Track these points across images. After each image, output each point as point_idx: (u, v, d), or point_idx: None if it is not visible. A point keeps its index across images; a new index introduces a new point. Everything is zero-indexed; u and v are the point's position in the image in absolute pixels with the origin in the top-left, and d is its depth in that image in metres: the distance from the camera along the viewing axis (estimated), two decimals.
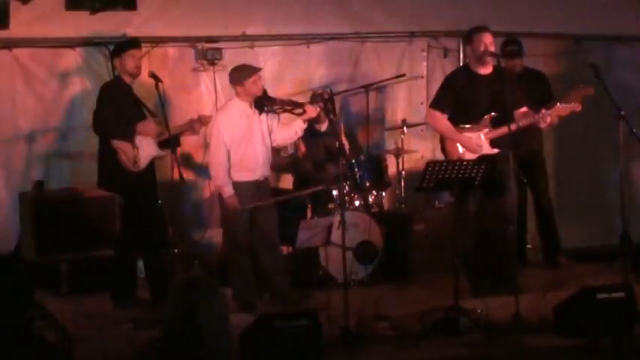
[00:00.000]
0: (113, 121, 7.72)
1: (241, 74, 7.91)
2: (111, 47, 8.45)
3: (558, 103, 7.90)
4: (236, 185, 7.84)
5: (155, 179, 8.05)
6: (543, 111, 7.82)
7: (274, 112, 7.97)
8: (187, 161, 9.20)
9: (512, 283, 7.28)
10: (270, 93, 8.18)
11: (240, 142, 7.83)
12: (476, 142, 7.89)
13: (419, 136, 9.90)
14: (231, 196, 7.80)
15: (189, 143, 9.04)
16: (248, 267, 7.92)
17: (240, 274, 7.90)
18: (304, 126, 8.05)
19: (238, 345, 6.12)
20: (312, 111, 7.99)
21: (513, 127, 7.52)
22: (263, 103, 7.88)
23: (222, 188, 7.86)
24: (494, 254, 7.95)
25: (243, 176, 7.85)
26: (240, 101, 7.91)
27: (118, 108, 7.76)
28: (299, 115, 8.00)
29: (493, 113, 7.85)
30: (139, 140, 7.88)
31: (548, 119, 7.82)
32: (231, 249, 8.00)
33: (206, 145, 9.23)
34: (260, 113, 7.90)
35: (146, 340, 4.26)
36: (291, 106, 8.04)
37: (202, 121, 8.23)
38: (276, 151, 8.52)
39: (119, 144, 7.76)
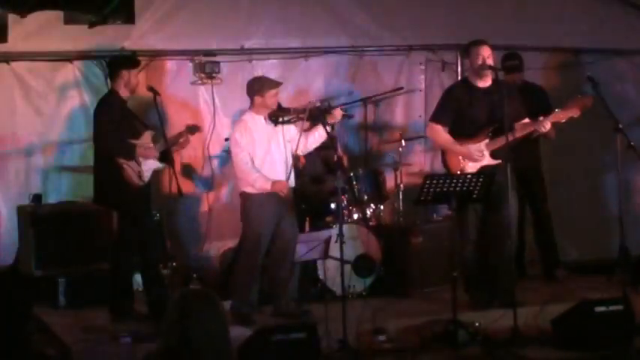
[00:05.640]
0: (116, 141, 7.67)
1: (263, 85, 7.86)
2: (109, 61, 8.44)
3: (556, 110, 7.89)
4: (257, 196, 7.78)
5: (150, 192, 8.02)
6: (542, 118, 7.83)
7: (289, 122, 7.92)
8: (186, 174, 9.20)
9: (511, 296, 7.27)
10: None
11: (257, 154, 7.80)
12: (477, 149, 7.88)
13: (417, 149, 9.91)
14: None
15: (188, 155, 9.06)
16: (257, 281, 7.87)
17: (247, 287, 7.83)
18: (328, 129, 7.90)
19: (237, 358, 6.11)
20: (337, 113, 7.91)
21: (511, 137, 7.52)
22: (277, 115, 7.85)
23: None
24: (493, 267, 7.94)
25: None
26: (255, 114, 7.87)
27: (117, 124, 7.70)
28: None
29: (493, 126, 7.85)
30: None
31: (548, 125, 7.81)
32: (247, 260, 7.86)
33: (205, 159, 9.30)
34: (275, 125, 7.87)
35: (145, 355, 4.24)
36: (306, 114, 7.83)
37: (191, 130, 8.15)
38: None
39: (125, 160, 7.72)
